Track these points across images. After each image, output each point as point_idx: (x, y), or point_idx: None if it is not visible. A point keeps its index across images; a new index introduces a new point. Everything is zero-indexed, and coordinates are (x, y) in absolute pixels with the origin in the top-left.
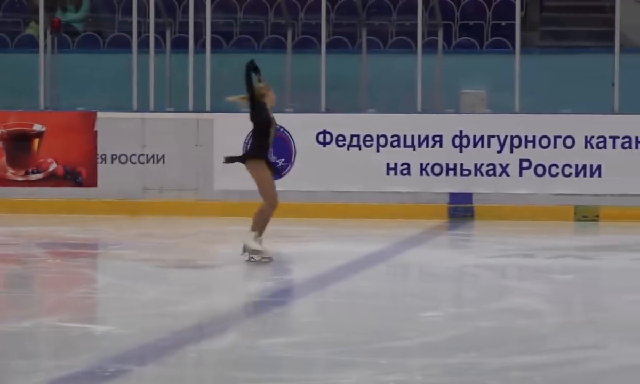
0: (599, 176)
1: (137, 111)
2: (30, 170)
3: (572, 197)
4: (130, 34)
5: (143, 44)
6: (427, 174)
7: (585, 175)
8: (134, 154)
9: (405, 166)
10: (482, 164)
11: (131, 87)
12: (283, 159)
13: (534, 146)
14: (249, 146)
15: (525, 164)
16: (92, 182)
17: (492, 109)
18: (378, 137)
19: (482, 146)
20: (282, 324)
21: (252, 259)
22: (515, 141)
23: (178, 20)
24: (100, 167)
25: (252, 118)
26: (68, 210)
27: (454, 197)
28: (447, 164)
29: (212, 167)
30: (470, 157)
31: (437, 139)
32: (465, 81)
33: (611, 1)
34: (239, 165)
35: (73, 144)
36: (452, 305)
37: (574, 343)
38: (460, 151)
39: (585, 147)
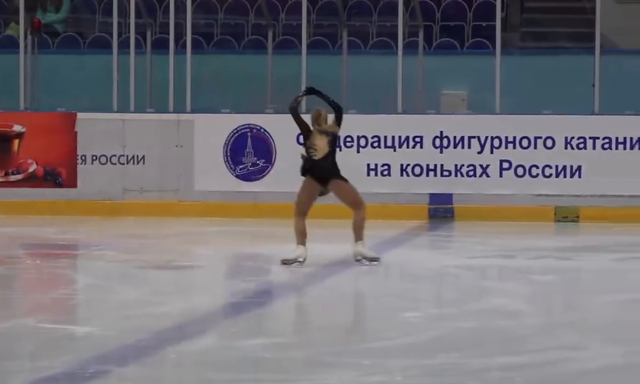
0: (579, 176)
1: (118, 111)
2: (10, 171)
3: (552, 198)
4: (111, 34)
5: (123, 45)
6: (408, 175)
7: (565, 176)
8: (114, 155)
9: (385, 167)
10: (462, 165)
11: (111, 87)
12: (263, 160)
13: (514, 147)
14: (331, 167)
15: (505, 165)
16: (72, 183)
17: (472, 110)
18: (358, 138)
19: (463, 146)
20: (263, 325)
21: (373, 263)
22: (496, 142)
23: (159, 21)
24: (81, 168)
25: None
26: (48, 211)
27: (435, 198)
28: (428, 165)
29: (193, 168)
30: (451, 157)
31: (418, 139)
32: (446, 82)
33: (592, 2)
34: (218, 166)
35: (53, 144)
36: (433, 306)
37: (553, 344)
38: (441, 151)
39: (566, 148)
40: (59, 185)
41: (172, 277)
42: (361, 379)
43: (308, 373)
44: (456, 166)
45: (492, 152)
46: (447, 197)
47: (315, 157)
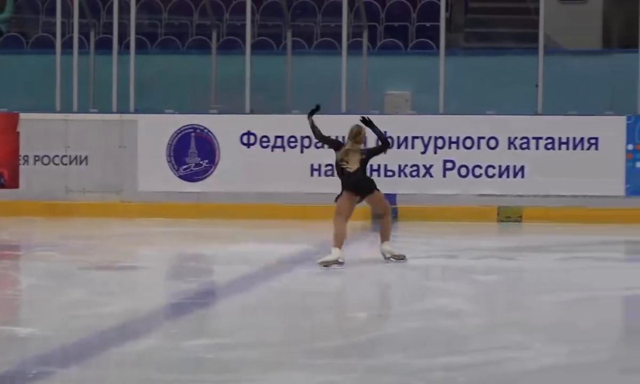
0: (522, 176)
1: (61, 111)
2: None
3: (495, 198)
4: (54, 34)
5: (67, 45)
6: None
7: (508, 176)
8: (57, 155)
9: (329, 167)
10: (406, 165)
11: (54, 88)
12: (207, 160)
13: (457, 147)
14: (365, 177)
15: (449, 165)
16: (14, 183)
17: (416, 110)
18: (302, 138)
19: (406, 146)
20: (206, 326)
21: (400, 260)
22: (439, 142)
23: (102, 21)
24: (23, 169)
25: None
26: None
27: None
28: (371, 165)
29: (136, 169)
30: (394, 158)
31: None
32: (390, 82)
33: (535, 3)
34: (162, 166)
35: None
36: (377, 305)
37: (496, 343)
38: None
39: (509, 148)
40: (1, 186)
41: (116, 277)
42: (306, 378)
43: (252, 373)
44: (400, 166)
45: (435, 152)
46: (391, 198)
47: (349, 170)
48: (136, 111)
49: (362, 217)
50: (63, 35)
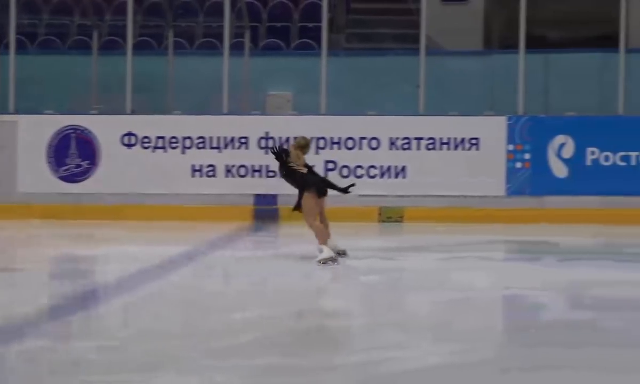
0: (404, 177)
1: None
2: None
3: (377, 199)
4: None
5: None
6: (233, 176)
7: (390, 176)
8: None
9: (211, 168)
10: None
11: None
12: (87, 161)
13: (339, 148)
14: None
15: (330, 165)
16: None
17: (298, 111)
18: (184, 138)
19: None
20: (91, 327)
21: (342, 255)
22: (321, 143)
23: None
24: None
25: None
26: None
27: (260, 199)
28: (253, 166)
29: (16, 170)
30: None
31: (243, 140)
32: (272, 83)
33: (417, 4)
34: (42, 167)
35: None
36: (259, 306)
37: (378, 343)
38: (266, 152)
39: (390, 148)
40: None
41: None
42: (188, 380)
43: (136, 375)
44: None
45: (317, 152)
46: (272, 199)
47: (301, 171)
48: (16, 112)
49: (243, 218)
50: None
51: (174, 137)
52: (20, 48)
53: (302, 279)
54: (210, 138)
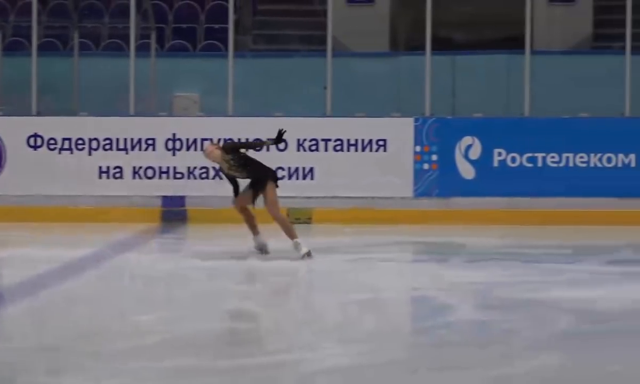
0: (312, 178)
1: None
2: None
3: (285, 200)
4: None
5: None
6: (140, 178)
7: (298, 178)
8: None
9: (118, 170)
10: (195, 167)
11: None
12: None
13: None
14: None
15: None
16: None
17: (205, 112)
18: (90, 140)
19: (195, 149)
20: None
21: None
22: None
23: None
24: None
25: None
26: None
27: (167, 200)
28: (160, 167)
29: None
30: (183, 160)
31: (150, 142)
32: (179, 84)
33: (323, 5)
34: None
35: None
36: (167, 308)
37: (288, 345)
38: (174, 154)
39: (298, 149)
40: None
41: None
42: (94, 382)
43: (41, 377)
44: (189, 168)
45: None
46: (180, 200)
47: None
48: None
49: (151, 220)
50: None
51: (80, 139)
52: None
53: (210, 281)
54: (117, 139)
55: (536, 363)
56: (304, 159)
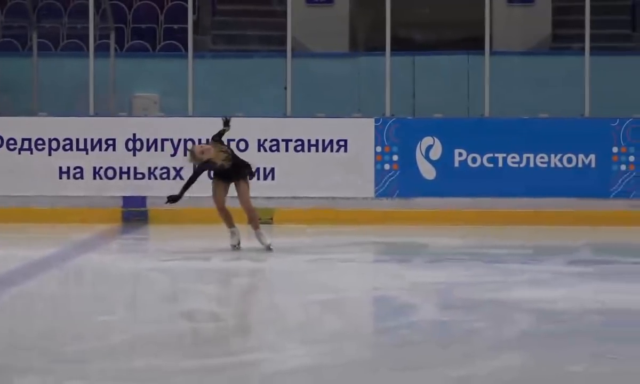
0: (273, 179)
1: None
2: None
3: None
4: None
5: None
6: (101, 178)
7: (259, 178)
8: None
9: (78, 170)
10: (156, 168)
11: None
12: None
13: None
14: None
15: None
16: None
17: (165, 113)
18: (50, 140)
19: (156, 149)
20: None
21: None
22: (189, 144)
23: None
24: None
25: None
26: None
27: (128, 201)
28: (121, 168)
29: None
30: (144, 160)
31: (110, 142)
32: (138, 84)
33: (283, 6)
34: None
35: None
36: (128, 309)
37: (250, 345)
38: (134, 154)
39: (259, 150)
40: None
41: None
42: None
43: (2, 377)
44: (150, 168)
45: (185, 154)
46: (141, 200)
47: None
48: None
49: (112, 221)
50: None
51: (40, 139)
52: None
53: (171, 281)
54: (77, 140)
55: (498, 362)
56: (264, 160)
